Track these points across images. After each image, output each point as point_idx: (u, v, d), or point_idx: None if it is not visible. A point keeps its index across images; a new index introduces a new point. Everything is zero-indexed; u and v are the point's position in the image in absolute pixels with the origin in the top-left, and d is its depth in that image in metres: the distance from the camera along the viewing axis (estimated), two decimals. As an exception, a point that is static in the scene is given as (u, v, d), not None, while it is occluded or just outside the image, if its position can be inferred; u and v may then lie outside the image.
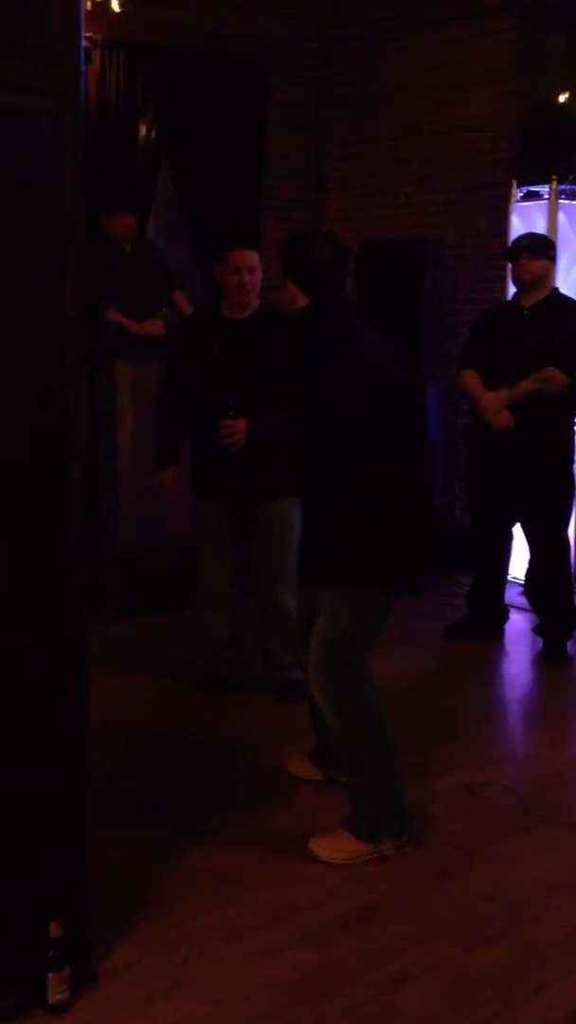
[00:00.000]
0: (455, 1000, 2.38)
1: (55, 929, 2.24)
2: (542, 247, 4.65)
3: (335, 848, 2.94)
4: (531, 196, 5.51)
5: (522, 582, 5.00)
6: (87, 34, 3.65)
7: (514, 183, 5.61)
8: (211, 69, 5.89)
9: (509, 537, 4.89)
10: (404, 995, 2.39)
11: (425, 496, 3.16)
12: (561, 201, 5.38)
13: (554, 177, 5.36)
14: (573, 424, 4.88)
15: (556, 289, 4.77)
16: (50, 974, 2.25)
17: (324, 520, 2.99)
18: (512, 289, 4.80)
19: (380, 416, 2.89)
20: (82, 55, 2.21)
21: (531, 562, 4.81)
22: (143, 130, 5.77)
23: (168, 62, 5.75)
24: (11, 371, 2.14)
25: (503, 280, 5.70)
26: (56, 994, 2.26)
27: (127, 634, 4.66)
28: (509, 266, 4.74)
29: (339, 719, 2.96)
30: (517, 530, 4.86)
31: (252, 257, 3.85)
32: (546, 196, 5.42)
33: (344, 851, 2.93)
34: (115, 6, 5.31)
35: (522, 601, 5.02)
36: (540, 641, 4.76)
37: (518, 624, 5.01)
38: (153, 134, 5.79)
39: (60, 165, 2.16)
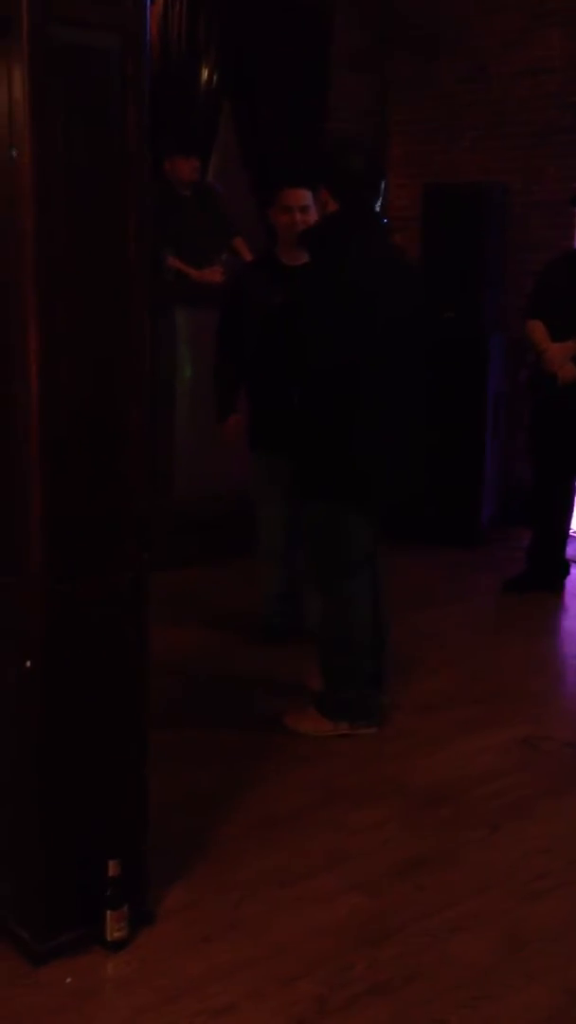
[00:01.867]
0: (508, 951, 2.38)
1: (113, 868, 2.27)
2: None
3: (304, 722, 3.35)
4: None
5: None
6: (150, -26, 3.59)
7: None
8: (274, 11, 5.78)
9: (571, 491, 4.82)
10: (457, 944, 2.40)
11: (407, 432, 3.21)
12: None
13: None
14: None
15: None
16: (108, 911, 2.29)
17: (313, 433, 3.18)
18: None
19: (371, 342, 3.05)
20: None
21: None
22: (204, 73, 5.70)
23: (231, 4, 5.65)
24: (75, 312, 2.12)
25: (572, 228, 5.58)
26: (114, 931, 2.30)
27: (183, 582, 4.68)
28: (578, 213, 4.62)
29: (332, 624, 3.34)
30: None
31: (304, 196, 3.68)
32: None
33: (311, 726, 3.34)
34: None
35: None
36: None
37: (578, 579, 4.96)
38: (215, 77, 5.72)
39: (124, 102, 2.13)
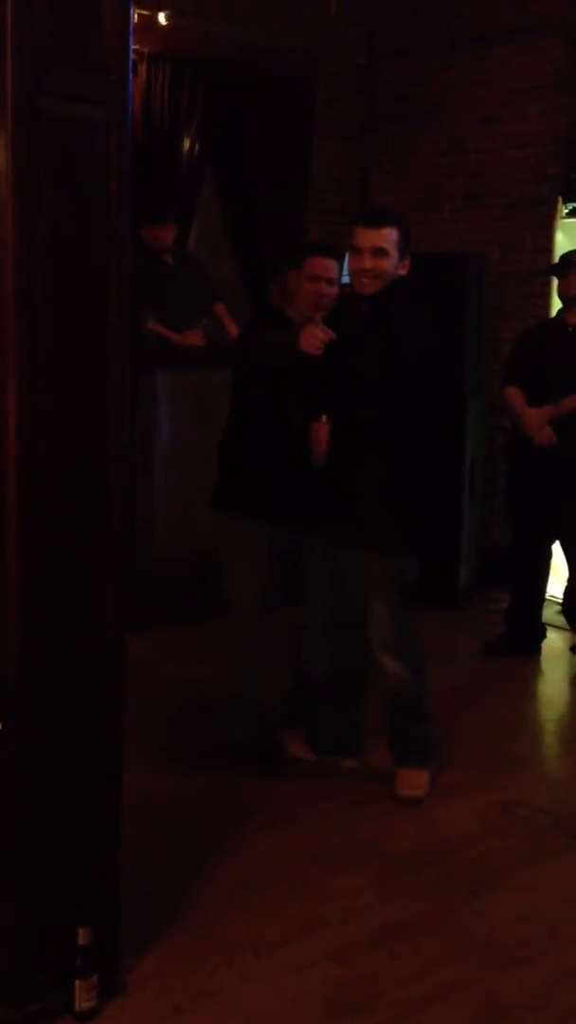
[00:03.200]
0: (485, 1022, 2.35)
1: (83, 936, 2.24)
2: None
3: (421, 785, 3.40)
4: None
5: (560, 601, 4.95)
6: (134, 47, 3.62)
7: (560, 200, 5.58)
8: (257, 82, 5.93)
9: (548, 555, 4.85)
10: (434, 1014, 2.36)
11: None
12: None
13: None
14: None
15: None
16: (77, 981, 2.25)
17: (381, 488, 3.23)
18: (556, 307, 4.78)
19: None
20: (130, 67, 2.23)
21: (570, 581, 4.76)
22: (187, 142, 5.83)
23: (214, 75, 5.79)
24: (56, 376, 2.15)
25: (547, 297, 5.69)
26: (83, 1002, 2.26)
27: (160, 643, 4.66)
28: (556, 282, 4.71)
29: (415, 675, 3.39)
30: (556, 548, 4.82)
31: (333, 267, 3.47)
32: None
33: (425, 784, 3.41)
34: (162, 20, 5.35)
35: (560, 620, 4.98)
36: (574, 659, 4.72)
37: (556, 643, 4.96)
38: (197, 147, 5.84)
39: (106, 174, 2.17)
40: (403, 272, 3.18)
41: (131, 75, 2.25)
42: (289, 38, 5.97)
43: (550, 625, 5.00)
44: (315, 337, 3.02)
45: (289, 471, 3.42)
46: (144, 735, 3.39)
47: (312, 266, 3.42)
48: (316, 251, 3.47)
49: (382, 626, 3.34)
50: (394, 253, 3.14)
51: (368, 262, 3.13)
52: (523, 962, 2.57)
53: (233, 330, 5.54)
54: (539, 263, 5.75)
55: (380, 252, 3.12)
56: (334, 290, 3.47)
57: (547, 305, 5.64)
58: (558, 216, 5.60)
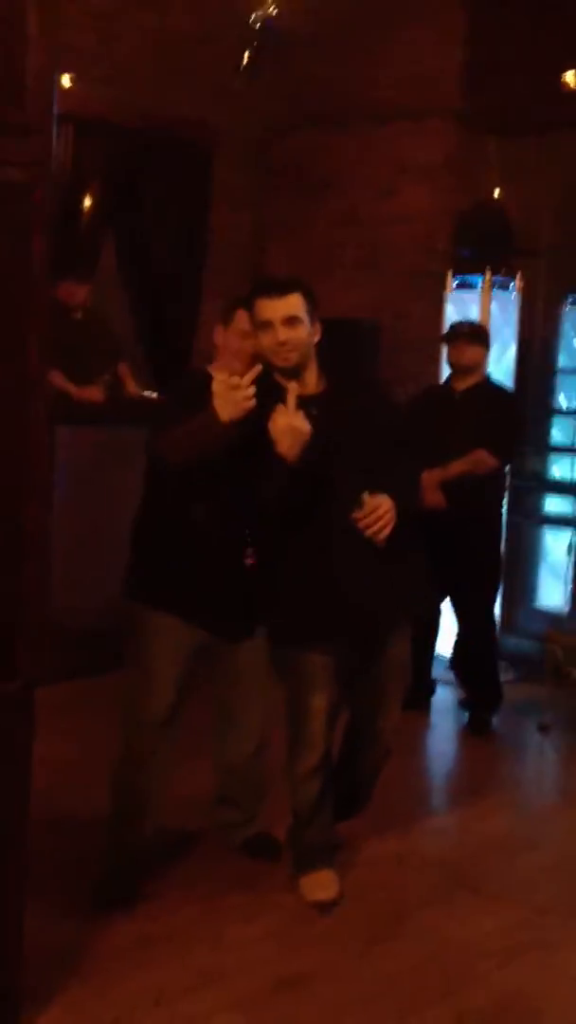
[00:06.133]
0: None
1: (-13, 990, 2.23)
2: (480, 335, 4.86)
3: (334, 887, 3.14)
4: (464, 285, 5.76)
5: (448, 656, 5.10)
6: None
7: (449, 273, 5.85)
8: (158, 148, 6.07)
9: (438, 614, 4.99)
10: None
11: None
12: (494, 291, 5.63)
13: (488, 269, 5.61)
14: (502, 506, 5.05)
15: (488, 375, 4.96)
16: (-21, 1035, 2.23)
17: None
18: (445, 374, 4.99)
19: None
20: (54, 130, 2.32)
21: (459, 637, 4.91)
22: (87, 203, 5.92)
23: (116, 138, 5.91)
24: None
25: (437, 364, 5.91)
26: (-15, 1056, 2.24)
27: (63, 696, 4.61)
28: (445, 350, 4.92)
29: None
30: (444, 606, 4.97)
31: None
32: (479, 286, 5.67)
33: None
34: (66, 82, 5.46)
35: (448, 675, 5.12)
36: (465, 715, 4.85)
37: (444, 698, 5.10)
38: (98, 208, 5.94)
39: (30, 232, 2.24)
40: (316, 337, 2.99)
41: (54, 138, 2.33)
42: (189, 106, 6.14)
43: (438, 681, 5.13)
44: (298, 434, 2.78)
45: (228, 569, 3.07)
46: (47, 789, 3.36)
47: (244, 321, 3.02)
48: (247, 305, 3.02)
49: (395, 711, 3.25)
50: (305, 319, 2.92)
51: (282, 334, 2.89)
52: (422, 1008, 2.63)
53: (133, 389, 5.61)
54: (429, 332, 5.98)
55: (292, 321, 2.90)
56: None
57: (437, 373, 5.85)
58: (447, 288, 5.86)
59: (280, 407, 2.82)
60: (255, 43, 5.07)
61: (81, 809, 3.60)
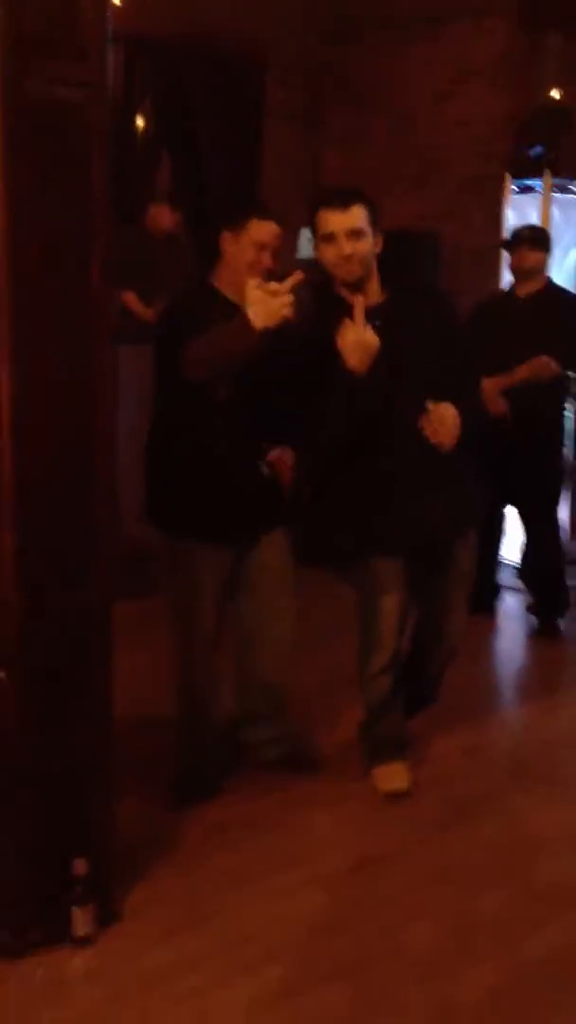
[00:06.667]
0: (458, 938, 2.55)
1: (80, 867, 2.39)
2: (541, 238, 4.80)
3: (406, 778, 3.23)
4: (525, 190, 5.69)
5: (515, 563, 5.16)
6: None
7: (508, 177, 5.77)
8: (208, 64, 6.04)
9: (502, 518, 5.04)
10: (411, 934, 2.56)
11: None
12: (554, 194, 5.56)
13: (548, 171, 5.53)
14: (563, 411, 5.04)
15: (551, 279, 4.92)
16: (75, 909, 2.41)
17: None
18: (506, 281, 4.97)
19: None
20: (108, 52, 2.37)
21: (525, 544, 4.96)
22: (140, 123, 5.93)
23: (166, 56, 5.90)
24: (45, 357, 2.27)
25: (498, 273, 5.88)
26: (81, 928, 2.42)
27: (136, 612, 4.77)
28: (507, 256, 4.89)
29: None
30: (509, 512, 5.02)
31: (280, 236, 3.00)
32: (539, 190, 5.60)
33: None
34: (115, 0, 5.45)
35: (517, 582, 5.19)
36: (532, 619, 4.93)
37: (510, 603, 5.17)
38: (151, 128, 5.95)
39: (89, 153, 2.31)
40: (378, 250, 2.98)
41: (109, 59, 2.38)
42: (239, 20, 6.08)
43: (503, 587, 5.21)
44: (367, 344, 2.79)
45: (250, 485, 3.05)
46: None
47: (260, 231, 2.91)
48: (262, 212, 2.95)
49: (460, 615, 3.32)
50: (369, 232, 2.91)
51: (347, 247, 2.87)
52: (490, 885, 2.77)
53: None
54: (490, 240, 5.94)
55: (356, 234, 2.88)
56: (276, 263, 2.98)
57: (498, 280, 5.83)
58: (506, 193, 5.79)
59: (347, 321, 2.83)
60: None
61: (153, 713, 3.74)
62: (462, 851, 2.94)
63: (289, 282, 2.65)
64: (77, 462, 2.37)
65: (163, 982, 2.33)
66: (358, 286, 2.95)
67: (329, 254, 2.93)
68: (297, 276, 2.68)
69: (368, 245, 2.94)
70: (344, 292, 2.98)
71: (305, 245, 6.08)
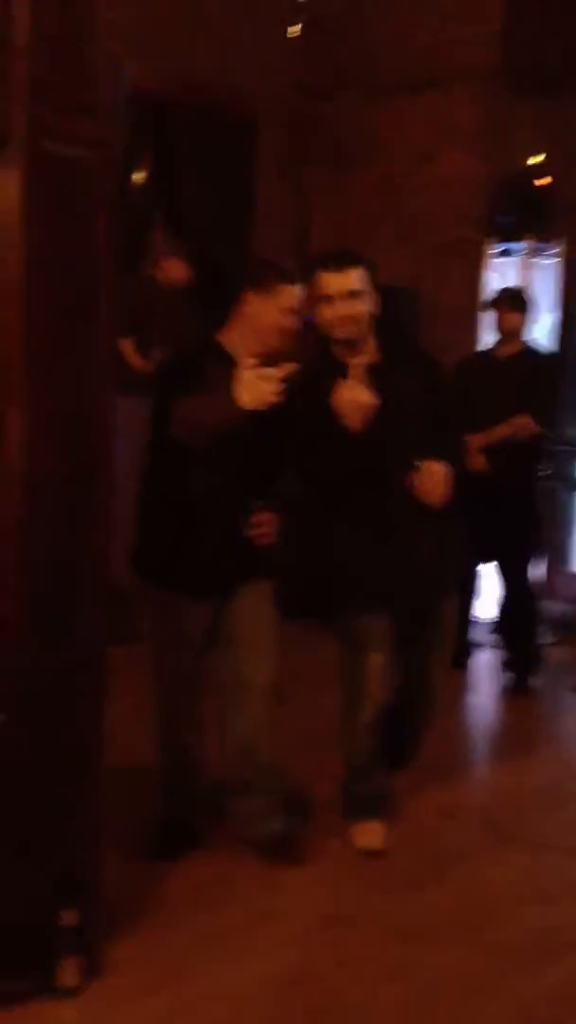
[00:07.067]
0: (426, 994, 2.57)
1: (69, 917, 2.38)
2: (523, 301, 4.93)
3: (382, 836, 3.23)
4: (504, 253, 5.83)
5: (489, 620, 5.23)
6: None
7: (487, 240, 5.91)
8: (199, 119, 6.15)
9: (476, 575, 5.11)
10: (384, 991, 2.57)
11: None
12: (533, 259, 5.70)
13: (527, 235, 5.67)
14: (540, 471, 5.15)
15: (530, 341, 5.04)
16: (62, 960, 2.39)
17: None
18: (484, 340, 5.07)
19: None
20: (120, 110, 2.43)
21: (504, 601, 5.02)
22: (135, 178, 6.01)
23: (159, 113, 5.99)
24: (53, 396, 2.32)
25: (474, 332, 5.99)
26: (67, 979, 2.40)
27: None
28: (494, 315, 4.99)
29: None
30: (486, 569, 5.08)
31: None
32: (518, 253, 5.74)
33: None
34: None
35: (490, 638, 5.25)
36: (504, 676, 4.98)
37: (486, 661, 5.23)
38: (145, 183, 6.03)
39: (97, 209, 2.36)
40: (375, 309, 3.06)
41: (120, 117, 2.45)
42: (229, 77, 6.19)
43: (474, 644, 5.26)
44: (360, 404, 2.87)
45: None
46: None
47: (288, 297, 2.92)
48: (290, 277, 2.96)
49: (443, 669, 3.40)
50: (366, 292, 3.00)
51: (343, 308, 2.97)
52: (459, 942, 2.79)
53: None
54: (467, 300, 6.06)
55: (355, 295, 2.98)
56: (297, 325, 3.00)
57: (475, 339, 5.94)
58: (485, 255, 5.92)
59: (342, 381, 2.91)
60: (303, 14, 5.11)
61: (136, 760, 3.74)
62: (429, 909, 2.95)
63: (283, 371, 2.66)
64: (79, 503, 2.40)
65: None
66: (355, 345, 3.04)
67: (327, 314, 3.01)
68: (291, 367, 2.72)
69: (365, 306, 3.02)
70: (340, 351, 3.06)
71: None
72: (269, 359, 2.76)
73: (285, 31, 5.25)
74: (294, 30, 5.32)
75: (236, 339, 2.95)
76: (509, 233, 5.81)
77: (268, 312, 2.91)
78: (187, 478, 2.96)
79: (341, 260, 3.02)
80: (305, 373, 2.96)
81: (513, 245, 5.77)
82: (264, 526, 3.00)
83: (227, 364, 2.82)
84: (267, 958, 2.66)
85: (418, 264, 6.45)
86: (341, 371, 2.97)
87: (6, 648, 2.30)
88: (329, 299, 2.99)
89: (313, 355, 2.97)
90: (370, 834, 3.24)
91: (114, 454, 2.46)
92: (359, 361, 2.95)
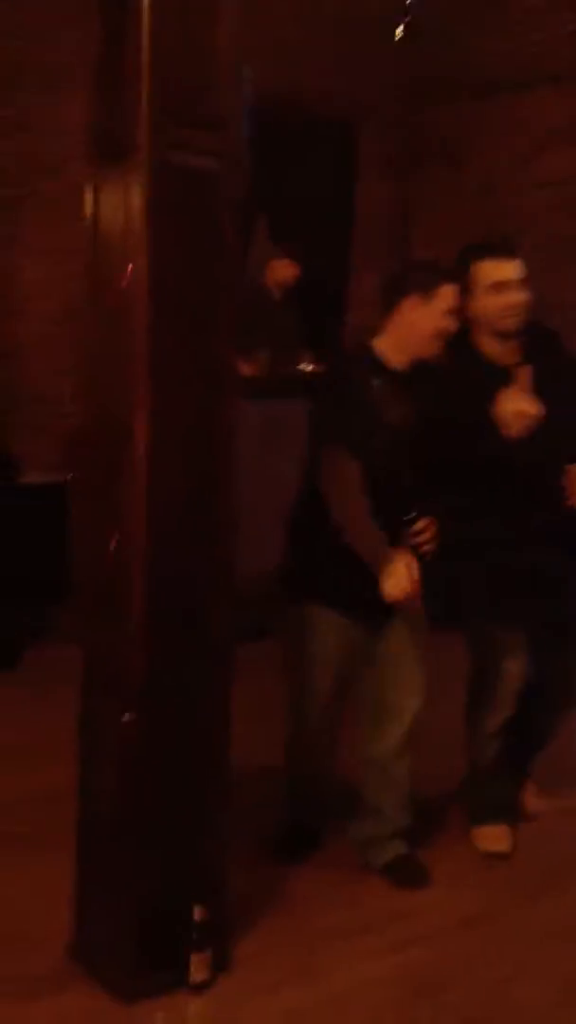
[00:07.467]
0: (568, 995, 2.53)
1: (199, 913, 2.42)
2: None
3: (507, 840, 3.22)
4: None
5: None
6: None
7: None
8: (303, 123, 6.20)
9: None
10: (518, 991, 2.55)
11: None
12: None
13: None
14: None
15: None
16: (193, 955, 2.44)
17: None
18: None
19: None
20: (244, 122, 2.47)
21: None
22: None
23: (263, 117, 6.05)
24: (177, 406, 2.36)
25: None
26: (197, 974, 2.44)
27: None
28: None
29: None
30: None
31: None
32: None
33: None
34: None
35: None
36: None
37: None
38: (250, 188, 6.10)
39: (223, 219, 2.40)
40: None
41: (245, 126, 2.48)
42: (333, 81, 6.23)
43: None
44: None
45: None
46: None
47: (450, 296, 2.81)
48: (450, 277, 2.85)
49: None
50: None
51: (520, 296, 2.91)
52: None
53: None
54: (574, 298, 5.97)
55: (524, 283, 2.92)
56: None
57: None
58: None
59: (506, 391, 2.80)
60: (407, 16, 5.12)
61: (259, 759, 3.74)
62: (564, 910, 2.93)
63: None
64: (203, 506, 2.43)
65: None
66: (512, 339, 2.96)
67: (497, 303, 2.92)
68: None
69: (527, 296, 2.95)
70: (492, 347, 2.98)
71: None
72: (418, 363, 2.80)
73: (391, 34, 5.25)
74: (398, 33, 5.32)
75: (391, 345, 2.87)
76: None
77: (431, 317, 2.82)
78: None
79: (509, 247, 2.97)
80: (447, 371, 2.89)
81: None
82: (425, 533, 2.87)
83: (383, 371, 2.82)
84: (400, 958, 2.66)
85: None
86: (490, 371, 2.91)
87: (136, 657, 2.35)
88: (499, 287, 2.91)
89: (454, 351, 2.85)
90: (497, 838, 3.22)
91: (238, 462, 2.49)
92: (528, 371, 2.83)
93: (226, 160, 2.39)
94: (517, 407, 2.79)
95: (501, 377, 2.90)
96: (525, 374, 2.82)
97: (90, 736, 2.50)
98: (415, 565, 2.70)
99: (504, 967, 2.64)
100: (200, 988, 2.45)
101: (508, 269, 2.92)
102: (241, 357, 5.31)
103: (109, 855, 2.47)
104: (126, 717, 2.36)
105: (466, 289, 2.91)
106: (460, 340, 2.95)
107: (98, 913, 2.51)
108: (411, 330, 2.84)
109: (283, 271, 5.56)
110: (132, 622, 2.35)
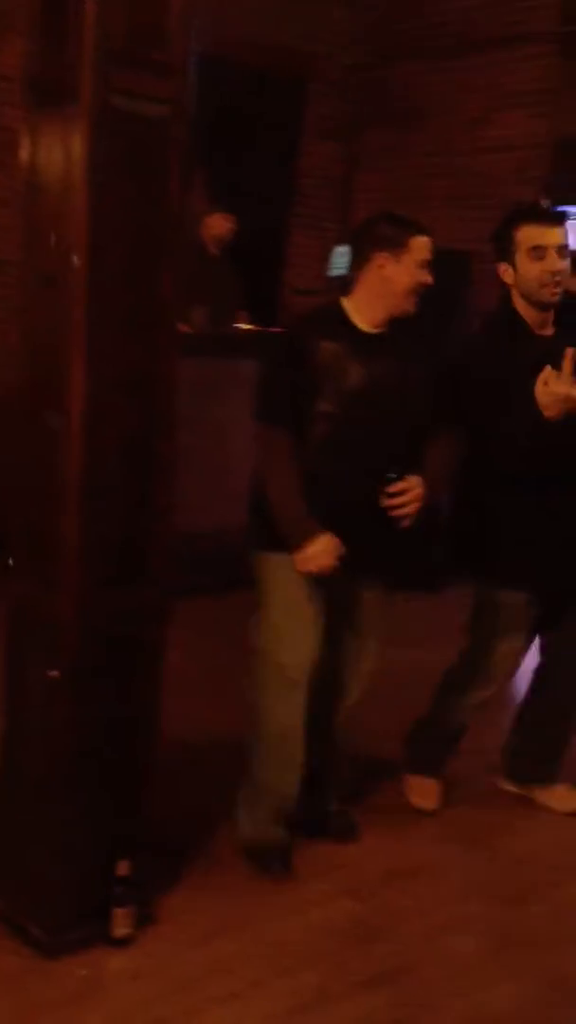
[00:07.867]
0: (498, 949, 2.59)
1: (122, 868, 2.42)
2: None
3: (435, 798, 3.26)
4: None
5: None
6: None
7: (545, 202, 5.82)
8: (249, 77, 6.10)
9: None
10: (448, 942, 2.60)
11: None
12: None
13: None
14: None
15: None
16: (116, 909, 2.44)
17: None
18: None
19: None
20: (192, 68, 2.42)
21: None
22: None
23: (210, 70, 5.94)
24: (116, 352, 2.32)
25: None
26: (120, 928, 2.44)
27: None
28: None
29: None
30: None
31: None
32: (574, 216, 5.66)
33: None
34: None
35: None
36: None
37: None
38: (193, 140, 6.00)
39: (168, 168, 2.35)
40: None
41: (193, 75, 2.43)
42: (284, 37, 6.14)
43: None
44: None
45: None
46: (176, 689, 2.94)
47: (422, 248, 2.70)
48: (419, 227, 2.74)
49: None
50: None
51: (560, 263, 2.81)
52: (526, 898, 2.82)
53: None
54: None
55: (564, 250, 2.82)
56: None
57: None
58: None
59: (550, 372, 2.70)
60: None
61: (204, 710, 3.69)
62: (495, 864, 3.00)
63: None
64: (140, 459, 2.41)
65: (201, 985, 2.36)
66: (549, 310, 2.91)
67: (536, 269, 2.86)
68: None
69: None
70: (527, 315, 2.92)
71: (339, 262, 6.14)
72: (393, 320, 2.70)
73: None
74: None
75: (362, 302, 2.73)
76: (567, 195, 5.72)
77: (405, 271, 2.68)
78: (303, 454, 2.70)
79: (553, 212, 2.92)
80: (483, 339, 2.90)
81: (571, 208, 5.68)
82: (405, 496, 2.67)
83: (345, 333, 2.70)
84: (330, 908, 2.69)
85: (473, 226, 6.37)
86: (529, 341, 2.89)
87: (64, 606, 2.32)
88: (539, 251, 2.83)
89: (491, 318, 2.82)
90: (425, 792, 3.27)
91: (175, 412, 2.46)
92: (572, 351, 2.71)
93: (173, 107, 2.34)
94: (561, 390, 2.69)
95: (541, 350, 2.84)
96: (571, 358, 2.71)
97: (16, 687, 2.48)
98: (335, 546, 2.60)
99: (437, 917, 2.69)
100: (123, 943, 2.45)
101: (549, 235, 2.86)
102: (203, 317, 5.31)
103: (32, 808, 2.45)
104: (52, 673, 2.34)
105: (506, 252, 2.91)
106: (502, 306, 2.97)
107: (19, 868, 2.50)
108: (384, 287, 2.69)
109: (219, 226, 5.48)
110: (63, 574, 2.32)
